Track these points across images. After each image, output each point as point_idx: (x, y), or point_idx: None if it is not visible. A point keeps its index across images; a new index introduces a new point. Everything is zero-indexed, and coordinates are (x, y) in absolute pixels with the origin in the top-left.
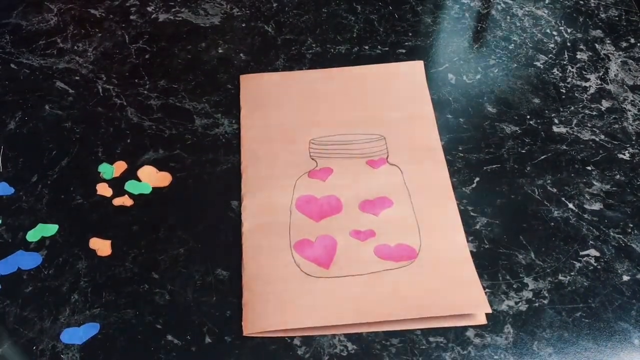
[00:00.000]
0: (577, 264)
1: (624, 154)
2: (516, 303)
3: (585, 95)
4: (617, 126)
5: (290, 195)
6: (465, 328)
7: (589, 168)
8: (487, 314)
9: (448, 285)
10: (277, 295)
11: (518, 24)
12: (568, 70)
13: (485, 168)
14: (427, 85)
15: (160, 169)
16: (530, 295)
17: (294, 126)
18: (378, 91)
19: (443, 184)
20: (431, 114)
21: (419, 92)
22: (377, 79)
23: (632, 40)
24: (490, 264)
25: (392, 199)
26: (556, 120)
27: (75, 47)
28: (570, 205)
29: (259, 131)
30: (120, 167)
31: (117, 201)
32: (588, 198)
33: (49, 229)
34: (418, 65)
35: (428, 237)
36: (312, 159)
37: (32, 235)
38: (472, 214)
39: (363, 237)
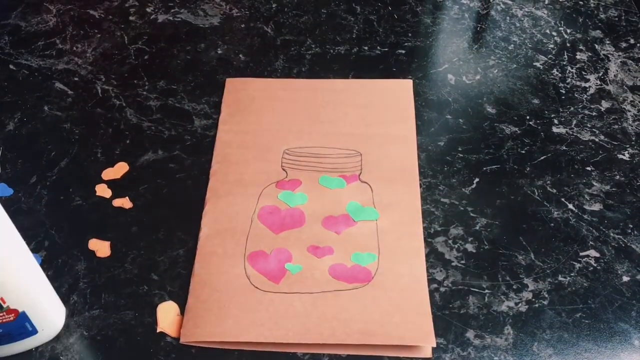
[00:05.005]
0: (577, 265)
1: (623, 155)
2: (516, 304)
3: (585, 96)
4: (616, 127)
5: (254, 204)
6: (465, 329)
7: (588, 168)
8: (436, 347)
9: (397, 314)
10: (221, 306)
11: (517, 25)
12: (567, 71)
13: (484, 169)
14: (414, 105)
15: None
16: (530, 296)
17: (271, 134)
18: (362, 107)
19: (412, 208)
20: (413, 135)
21: (404, 111)
22: (363, 94)
23: (632, 41)
24: (490, 264)
25: (357, 218)
26: (556, 121)
27: (75, 48)
28: (570, 206)
29: (234, 136)
30: (121, 168)
31: (116, 202)
32: (588, 199)
33: None
34: (407, 84)
35: (386, 261)
36: (283, 170)
37: None
38: (471, 214)
39: (320, 253)
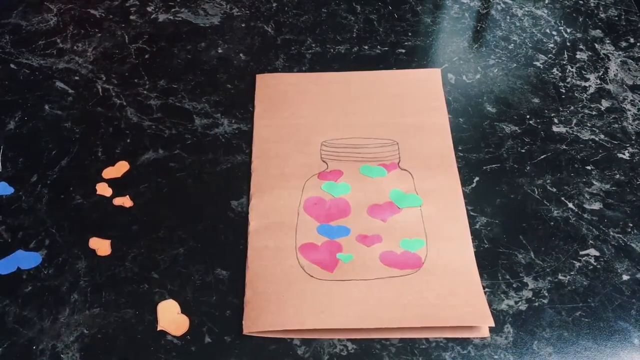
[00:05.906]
0: (577, 264)
1: (623, 154)
2: (516, 302)
3: (585, 95)
4: (616, 126)
5: (299, 197)
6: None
7: (588, 168)
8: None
9: (452, 297)
10: (279, 296)
11: (518, 24)
12: (568, 70)
13: (485, 168)
14: (444, 93)
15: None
16: (530, 294)
17: (307, 127)
18: (394, 97)
19: (454, 193)
20: (446, 122)
21: (435, 99)
22: (394, 84)
23: (632, 40)
24: (490, 263)
25: (401, 205)
26: (556, 120)
27: (75, 47)
28: (570, 205)
29: (271, 131)
30: (122, 167)
31: (117, 201)
32: (588, 197)
33: None
34: (435, 73)
35: (435, 246)
36: (323, 161)
37: None
38: (472, 213)
39: (369, 242)
